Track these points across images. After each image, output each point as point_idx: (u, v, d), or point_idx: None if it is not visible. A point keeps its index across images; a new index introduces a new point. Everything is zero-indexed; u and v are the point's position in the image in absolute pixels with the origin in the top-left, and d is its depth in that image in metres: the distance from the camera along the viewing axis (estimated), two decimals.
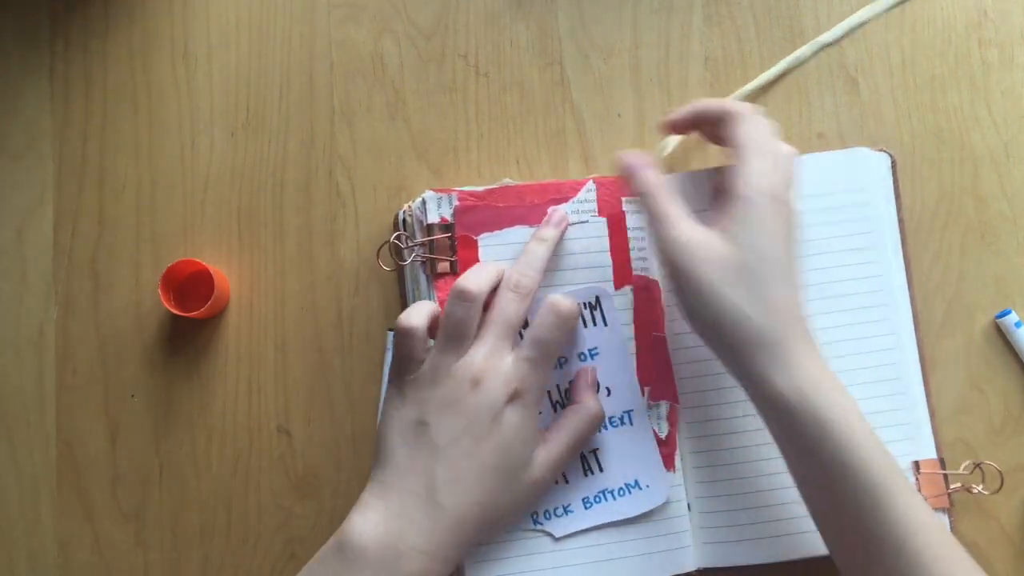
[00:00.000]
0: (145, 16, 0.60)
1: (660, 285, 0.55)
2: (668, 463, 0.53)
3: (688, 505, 0.54)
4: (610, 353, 0.54)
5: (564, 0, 0.60)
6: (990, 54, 0.58)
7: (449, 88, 0.59)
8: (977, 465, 0.54)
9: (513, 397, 0.48)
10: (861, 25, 0.59)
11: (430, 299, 0.53)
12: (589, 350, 0.53)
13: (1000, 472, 0.54)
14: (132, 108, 0.59)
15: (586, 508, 0.52)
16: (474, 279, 0.49)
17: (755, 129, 0.49)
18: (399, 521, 0.46)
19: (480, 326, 0.49)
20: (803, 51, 0.58)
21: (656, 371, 0.54)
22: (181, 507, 0.56)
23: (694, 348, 0.55)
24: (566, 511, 0.52)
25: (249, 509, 0.56)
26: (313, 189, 0.58)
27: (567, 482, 0.52)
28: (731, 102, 0.51)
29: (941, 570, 0.42)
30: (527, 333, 0.50)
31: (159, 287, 0.54)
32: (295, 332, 0.57)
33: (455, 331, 0.49)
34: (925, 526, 0.42)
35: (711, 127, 0.52)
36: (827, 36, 0.59)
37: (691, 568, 0.53)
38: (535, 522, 0.52)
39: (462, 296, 0.49)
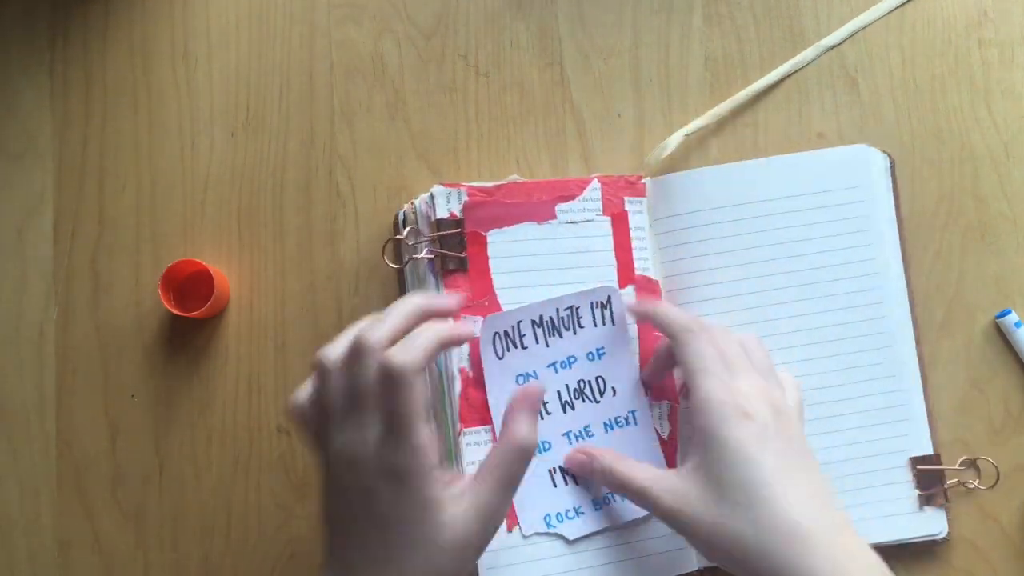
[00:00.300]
0: (145, 16, 0.60)
1: (661, 285, 0.55)
2: (670, 462, 0.53)
3: None
4: (617, 353, 0.54)
5: (564, 0, 0.60)
6: (990, 54, 0.58)
7: (449, 88, 0.59)
8: (973, 461, 0.54)
9: (391, 472, 0.42)
10: (864, 27, 0.59)
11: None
12: (596, 349, 0.53)
13: (996, 467, 0.54)
14: (132, 108, 0.59)
15: (596, 510, 0.52)
16: (331, 350, 0.45)
17: (697, 349, 0.47)
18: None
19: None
20: (806, 54, 0.58)
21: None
22: (181, 507, 0.56)
23: None
24: (577, 513, 0.52)
25: (249, 509, 0.56)
26: (313, 189, 0.58)
27: (576, 484, 0.52)
28: (677, 320, 0.49)
29: None
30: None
31: (159, 287, 0.54)
32: (295, 332, 0.57)
33: (327, 410, 0.44)
34: None
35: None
36: (830, 39, 0.59)
37: (693, 568, 0.53)
38: (548, 525, 0.51)
39: (320, 368, 0.44)
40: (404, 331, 0.45)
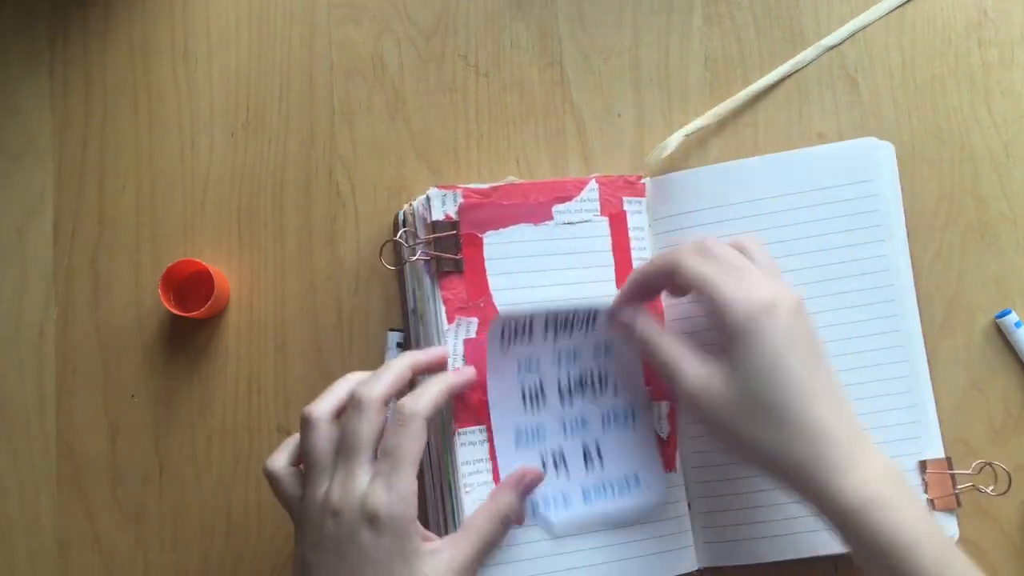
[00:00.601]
0: (145, 16, 0.60)
1: None
2: (668, 463, 0.53)
3: (688, 505, 0.54)
4: (624, 352, 0.54)
5: (564, 0, 0.60)
6: (990, 54, 0.58)
7: (449, 88, 0.59)
8: (987, 464, 0.54)
9: (372, 522, 0.43)
10: (864, 28, 0.59)
11: (434, 299, 0.52)
12: (605, 348, 0.54)
13: (1009, 473, 0.54)
14: (132, 108, 0.59)
15: (585, 501, 0.52)
16: (317, 405, 0.47)
17: (696, 263, 0.47)
18: None
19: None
20: (806, 54, 0.58)
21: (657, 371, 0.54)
22: (181, 507, 0.56)
23: None
24: (566, 501, 0.52)
25: (249, 509, 0.56)
26: (313, 189, 0.58)
27: (568, 472, 0.52)
28: (661, 256, 0.50)
29: None
30: (379, 451, 0.45)
31: (159, 287, 0.54)
32: (295, 332, 0.57)
33: (314, 460, 0.46)
34: None
35: (670, 286, 0.51)
36: (830, 39, 0.59)
37: (692, 568, 0.53)
38: (534, 512, 0.52)
39: (304, 422, 0.46)
40: (399, 385, 0.47)
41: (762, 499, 0.53)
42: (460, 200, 0.53)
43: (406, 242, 0.53)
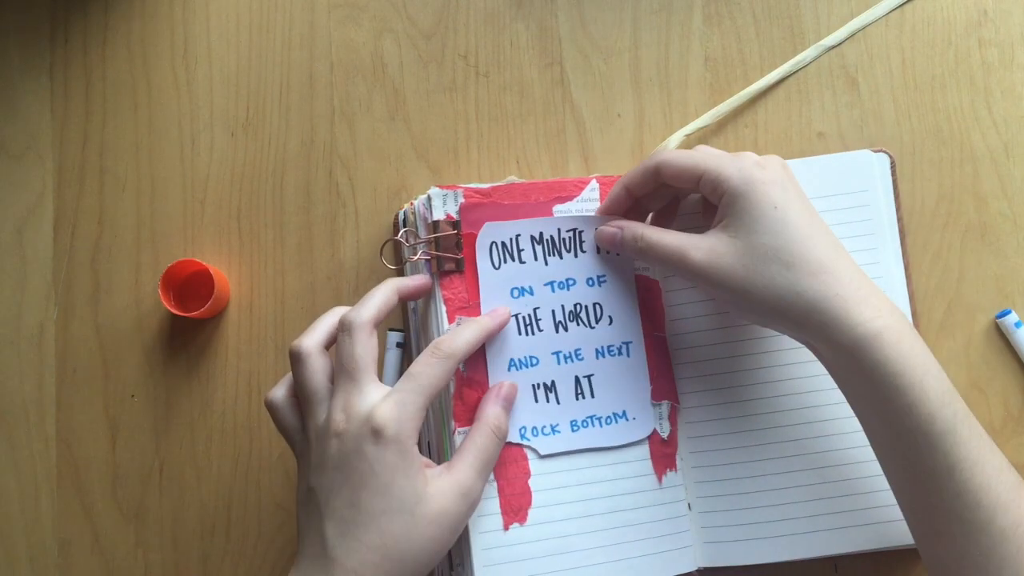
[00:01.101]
0: (145, 16, 0.60)
1: (661, 286, 0.55)
2: (668, 463, 0.53)
3: (688, 505, 0.54)
4: (617, 282, 0.54)
5: (564, 0, 0.60)
6: (990, 54, 0.58)
7: (449, 88, 0.59)
8: None
9: (376, 436, 0.45)
10: (864, 28, 0.59)
11: (434, 298, 0.52)
12: (597, 276, 0.54)
13: None
14: (132, 108, 0.59)
15: (573, 431, 0.53)
16: (305, 338, 0.48)
17: (680, 154, 0.49)
18: None
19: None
20: (807, 54, 0.59)
21: (657, 371, 0.54)
22: (181, 507, 0.56)
23: (695, 348, 0.55)
24: (553, 430, 0.52)
25: (249, 509, 0.56)
26: (313, 189, 0.58)
27: (559, 402, 0.53)
28: (645, 160, 0.51)
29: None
30: (404, 374, 0.47)
31: (159, 287, 0.54)
32: (295, 332, 0.57)
33: (309, 391, 0.47)
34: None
35: (655, 190, 0.52)
36: (830, 39, 0.59)
37: (691, 568, 0.53)
38: (522, 436, 0.52)
39: (294, 357, 0.48)
40: (386, 310, 0.49)
41: (762, 499, 0.53)
42: (461, 200, 0.53)
43: (407, 241, 0.53)
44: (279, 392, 0.49)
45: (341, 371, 0.47)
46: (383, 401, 0.46)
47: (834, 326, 0.45)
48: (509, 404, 0.51)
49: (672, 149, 0.52)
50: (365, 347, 0.47)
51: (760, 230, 0.47)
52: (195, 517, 0.56)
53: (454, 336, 0.48)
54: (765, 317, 0.48)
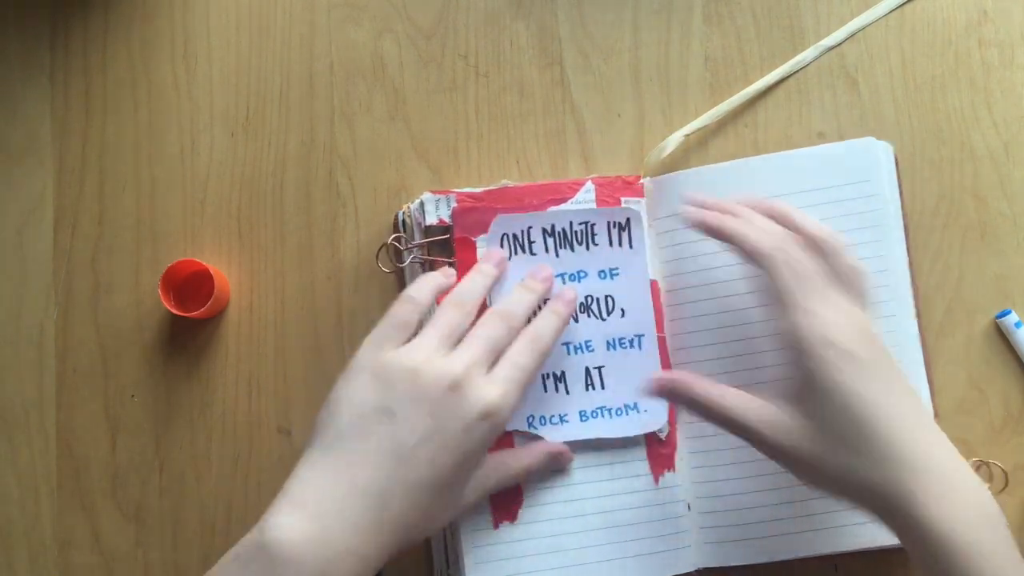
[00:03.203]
0: (145, 16, 0.60)
1: (659, 285, 0.55)
2: (667, 463, 0.53)
3: (688, 505, 0.54)
4: (630, 275, 0.54)
5: (564, 0, 0.60)
6: (990, 54, 0.58)
7: (449, 88, 0.59)
8: (983, 463, 0.54)
9: (487, 415, 0.45)
10: (864, 28, 0.59)
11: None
12: (609, 269, 0.54)
13: (1005, 472, 0.54)
14: (132, 108, 0.59)
15: (582, 421, 0.53)
16: (470, 286, 0.50)
17: (771, 271, 0.46)
18: (336, 520, 0.42)
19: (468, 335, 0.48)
20: (806, 54, 0.58)
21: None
22: (181, 507, 0.56)
23: (694, 348, 0.55)
24: (562, 420, 0.52)
25: (249, 509, 0.56)
26: (313, 189, 0.58)
27: (568, 392, 0.53)
28: (751, 240, 0.48)
29: None
30: (507, 355, 0.48)
31: (159, 287, 0.54)
32: (295, 332, 0.57)
33: (446, 333, 0.47)
34: None
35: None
36: (830, 39, 0.59)
37: (690, 569, 0.53)
38: (529, 425, 0.52)
39: (456, 302, 0.49)
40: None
41: (761, 499, 0.53)
42: (453, 204, 0.53)
43: (400, 246, 0.53)
44: (426, 295, 0.49)
45: (482, 338, 0.47)
46: (502, 385, 0.46)
47: (906, 521, 0.42)
48: (553, 467, 0.52)
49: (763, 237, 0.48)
50: (510, 337, 0.48)
51: (834, 413, 0.43)
52: (195, 517, 0.56)
53: (544, 329, 0.49)
54: (837, 495, 0.46)
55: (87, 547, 0.56)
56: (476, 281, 0.51)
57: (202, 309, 0.54)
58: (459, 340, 0.47)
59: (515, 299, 0.50)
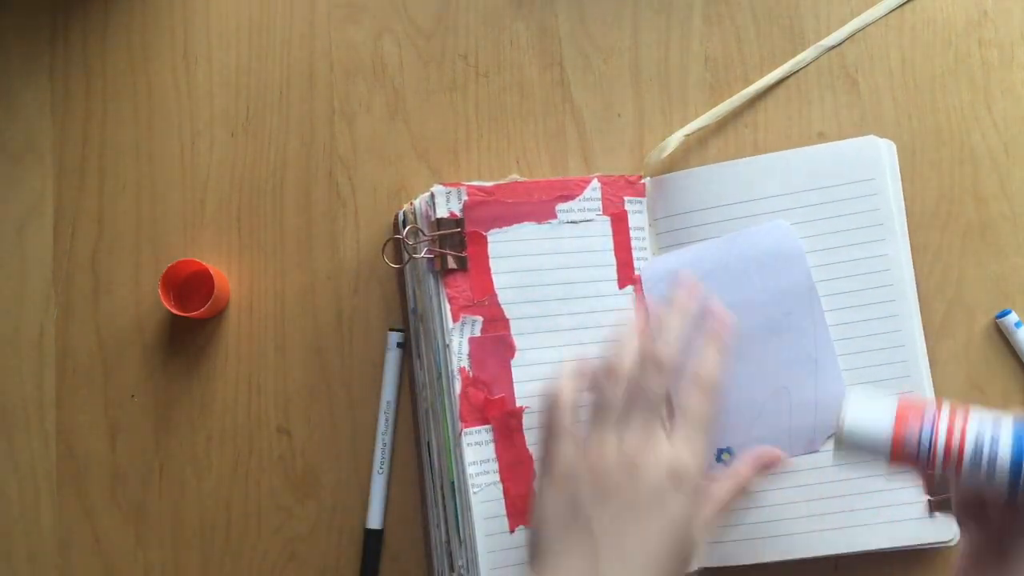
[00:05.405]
0: (145, 16, 0.60)
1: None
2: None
3: None
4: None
5: (564, 0, 0.60)
6: (990, 54, 0.58)
7: (449, 88, 0.59)
8: None
9: (675, 481, 0.44)
10: (864, 28, 0.59)
11: (438, 297, 0.52)
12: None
13: None
14: (132, 108, 0.59)
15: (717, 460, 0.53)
16: (624, 354, 0.47)
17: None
18: None
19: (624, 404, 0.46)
20: (806, 54, 0.58)
21: None
22: (181, 507, 0.56)
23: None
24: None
25: (249, 509, 0.56)
26: (313, 189, 0.58)
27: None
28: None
29: None
30: (677, 412, 0.46)
31: (159, 287, 0.54)
32: (295, 332, 0.57)
33: (608, 413, 0.46)
34: None
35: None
36: (830, 39, 0.59)
37: (691, 569, 0.53)
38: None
39: (612, 372, 0.46)
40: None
41: (762, 499, 0.53)
42: (464, 198, 0.53)
43: (412, 238, 0.53)
44: (571, 393, 0.47)
45: (640, 400, 0.45)
46: (682, 445, 0.44)
47: None
48: (766, 472, 0.49)
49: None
50: (665, 382, 0.46)
51: None
52: (195, 517, 0.56)
53: (711, 366, 0.47)
54: None
55: (87, 547, 0.56)
56: (626, 332, 0.48)
57: (202, 309, 0.54)
58: (627, 409, 0.46)
59: (664, 330, 0.48)
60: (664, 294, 0.51)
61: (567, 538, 0.43)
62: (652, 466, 0.44)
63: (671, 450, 0.44)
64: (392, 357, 0.56)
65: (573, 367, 0.48)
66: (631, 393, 0.46)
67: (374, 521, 0.55)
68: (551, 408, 0.47)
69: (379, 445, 0.55)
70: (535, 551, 0.45)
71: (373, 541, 0.55)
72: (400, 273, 0.56)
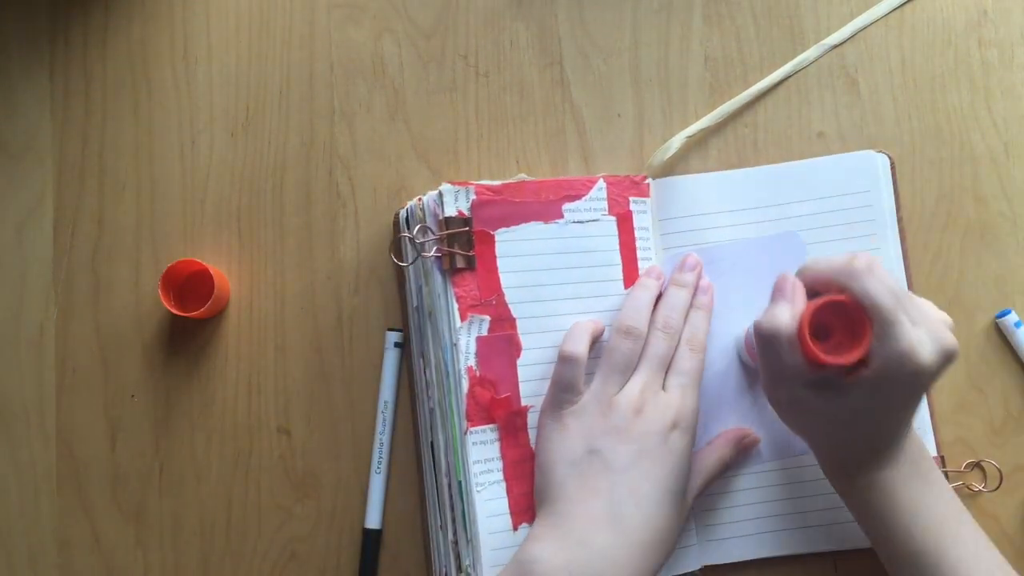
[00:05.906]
0: (145, 16, 0.60)
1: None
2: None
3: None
4: None
5: (564, 0, 0.60)
6: (990, 54, 0.58)
7: (449, 88, 0.59)
8: (977, 464, 0.54)
9: (674, 424, 0.49)
10: (864, 28, 0.59)
11: (446, 296, 0.52)
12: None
13: (999, 470, 0.54)
14: (132, 108, 0.59)
15: None
16: (634, 310, 0.52)
17: (882, 294, 0.44)
18: (581, 550, 0.45)
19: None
20: (807, 54, 0.59)
21: None
22: (181, 507, 0.56)
23: None
24: None
25: (249, 509, 0.56)
26: (313, 189, 0.58)
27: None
28: (832, 266, 0.45)
29: None
30: (673, 366, 0.52)
31: (159, 287, 0.54)
32: (295, 332, 0.57)
33: (620, 365, 0.51)
34: None
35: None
36: (830, 39, 0.59)
37: (695, 567, 0.53)
38: None
39: (629, 332, 0.51)
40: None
41: (762, 496, 0.53)
42: (473, 197, 0.53)
43: (421, 236, 0.53)
44: (583, 348, 0.51)
45: (648, 358, 0.51)
46: (681, 394, 0.50)
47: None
48: (744, 451, 0.54)
49: (858, 265, 0.45)
50: (672, 345, 0.52)
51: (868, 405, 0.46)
52: (195, 517, 0.56)
53: (697, 330, 0.53)
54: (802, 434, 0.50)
55: (87, 547, 0.56)
56: (641, 299, 0.53)
57: (202, 309, 0.54)
58: (635, 364, 0.51)
59: (671, 303, 0.53)
60: (673, 272, 0.55)
61: (580, 476, 0.48)
62: (653, 410, 0.49)
63: (670, 397, 0.50)
64: (390, 357, 0.56)
65: (586, 325, 0.52)
66: (643, 351, 0.51)
67: (372, 521, 0.55)
68: (561, 362, 0.51)
69: (377, 445, 0.55)
70: (544, 495, 0.49)
71: (371, 541, 0.55)
72: (400, 272, 0.56)
